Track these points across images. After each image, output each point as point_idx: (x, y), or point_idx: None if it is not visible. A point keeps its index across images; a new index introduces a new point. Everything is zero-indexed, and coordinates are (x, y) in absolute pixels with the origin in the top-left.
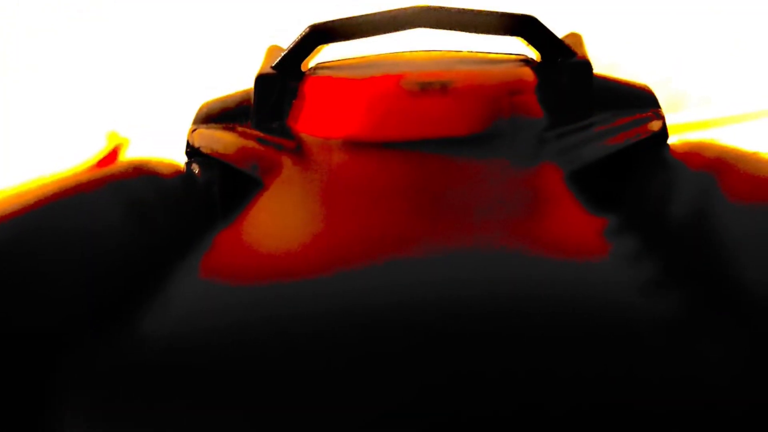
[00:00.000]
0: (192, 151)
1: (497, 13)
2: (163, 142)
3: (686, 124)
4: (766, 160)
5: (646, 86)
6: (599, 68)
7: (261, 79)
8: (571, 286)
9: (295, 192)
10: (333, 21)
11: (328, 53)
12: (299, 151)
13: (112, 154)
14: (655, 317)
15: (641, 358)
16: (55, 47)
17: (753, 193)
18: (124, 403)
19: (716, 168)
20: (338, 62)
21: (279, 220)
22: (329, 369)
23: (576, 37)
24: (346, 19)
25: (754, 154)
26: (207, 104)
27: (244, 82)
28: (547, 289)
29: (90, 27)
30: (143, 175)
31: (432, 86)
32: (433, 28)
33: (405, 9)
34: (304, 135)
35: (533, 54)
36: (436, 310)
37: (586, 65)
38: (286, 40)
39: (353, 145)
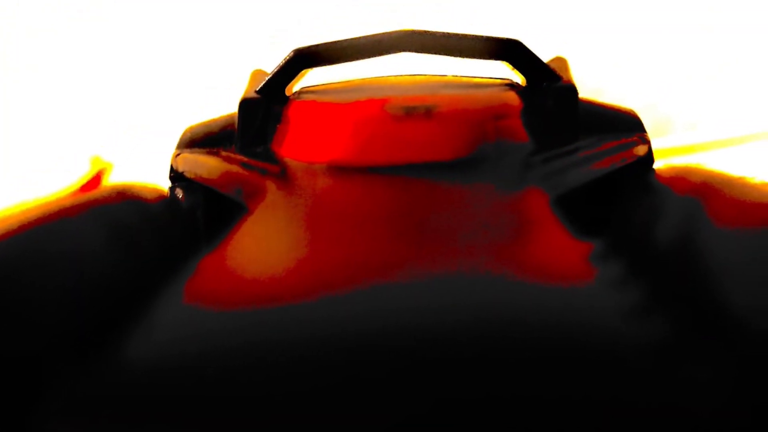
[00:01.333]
0: (176, 176)
1: (482, 37)
2: (150, 160)
3: (672, 148)
4: (752, 184)
5: (631, 111)
6: (585, 92)
7: (245, 104)
8: (557, 312)
9: (279, 217)
10: (317, 45)
11: (312, 77)
12: (283, 176)
13: (96, 179)
14: (641, 342)
15: (627, 382)
16: (55, 47)
17: (739, 218)
18: (107, 430)
19: (702, 193)
20: (323, 86)
21: (263, 245)
22: (313, 395)
23: (561, 61)
24: (331, 43)
25: (740, 178)
26: (191, 128)
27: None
28: (532, 314)
29: (90, 27)
30: (127, 200)
31: (417, 111)
32: (417, 52)
33: (389, 33)
34: (288, 160)
35: (518, 78)
36: (421, 335)
37: (572, 89)
38: (270, 64)
39: (338, 170)
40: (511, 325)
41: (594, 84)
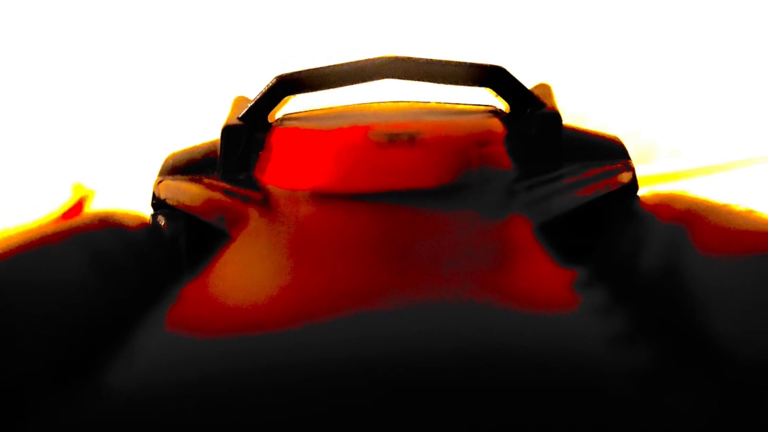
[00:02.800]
0: (158, 203)
1: (465, 63)
2: (130, 191)
3: (656, 175)
4: (736, 211)
5: (615, 137)
6: (569, 119)
7: (227, 131)
8: (540, 339)
9: (262, 244)
10: (300, 72)
11: (296, 103)
12: (266, 203)
13: (77, 206)
14: (624, 371)
15: (610, 411)
16: (33, 71)
17: (724, 246)
18: None
19: (687, 220)
20: (305, 113)
21: (246, 272)
22: (295, 424)
23: (545, 87)
24: (313, 69)
25: (724, 206)
26: (173, 155)
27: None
28: (515, 342)
29: (68, 50)
30: (109, 227)
31: (400, 138)
32: (400, 78)
33: (372, 60)
34: (271, 187)
35: (502, 105)
36: (404, 364)
37: (556, 116)
38: (254, 90)
39: (320, 197)
40: (494, 353)
41: (578, 110)
